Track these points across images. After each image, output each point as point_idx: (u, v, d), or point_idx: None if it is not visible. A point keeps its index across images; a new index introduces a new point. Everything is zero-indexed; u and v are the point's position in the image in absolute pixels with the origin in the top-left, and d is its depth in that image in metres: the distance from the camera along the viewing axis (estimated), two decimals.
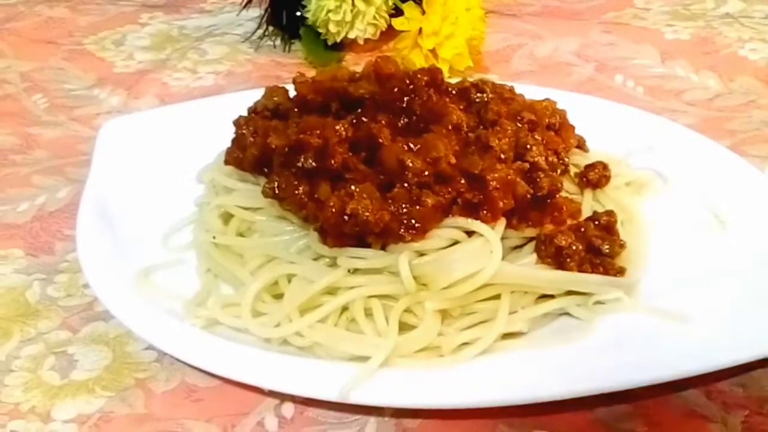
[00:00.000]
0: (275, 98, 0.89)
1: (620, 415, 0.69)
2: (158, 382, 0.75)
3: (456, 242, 0.74)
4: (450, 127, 0.79)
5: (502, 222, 0.76)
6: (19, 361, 0.78)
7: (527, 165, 0.79)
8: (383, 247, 0.75)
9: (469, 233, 0.74)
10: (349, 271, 0.74)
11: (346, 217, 0.72)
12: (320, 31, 1.32)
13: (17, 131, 1.18)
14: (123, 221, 0.89)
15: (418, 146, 0.75)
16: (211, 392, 0.73)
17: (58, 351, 0.79)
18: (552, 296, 0.76)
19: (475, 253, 0.72)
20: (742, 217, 0.83)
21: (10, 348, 0.79)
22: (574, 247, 0.75)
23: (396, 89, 0.81)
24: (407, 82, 0.81)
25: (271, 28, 1.40)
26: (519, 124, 0.83)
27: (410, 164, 0.75)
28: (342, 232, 0.73)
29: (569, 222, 0.79)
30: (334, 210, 0.73)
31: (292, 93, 0.90)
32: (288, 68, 1.32)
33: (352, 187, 0.73)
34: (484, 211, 0.74)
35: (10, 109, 1.24)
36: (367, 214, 0.72)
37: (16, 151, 1.13)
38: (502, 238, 0.75)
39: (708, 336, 0.70)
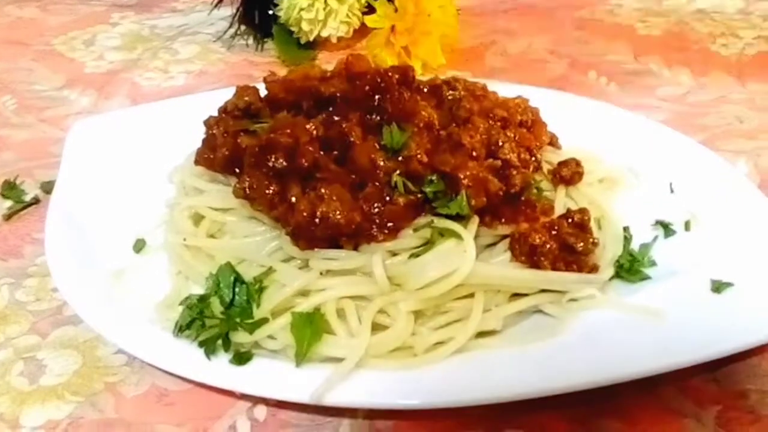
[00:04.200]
0: (246, 98, 0.88)
1: (595, 412, 0.69)
2: (128, 386, 0.74)
3: (429, 241, 0.73)
4: (421, 125, 0.79)
5: (474, 220, 0.75)
6: None
7: (499, 162, 0.79)
8: (355, 248, 0.74)
9: (442, 231, 0.73)
10: (321, 272, 0.74)
11: (317, 220, 0.72)
12: (293, 29, 1.32)
13: None
14: (93, 224, 0.88)
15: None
16: (183, 396, 0.72)
17: (27, 356, 0.77)
18: (525, 293, 0.76)
19: (448, 253, 0.72)
20: (715, 211, 0.83)
21: None
22: (548, 246, 0.75)
23: (367, 87, 0.80)
24: (378, 80, 0.81)
25: (243, 27, 1.40)
26: (491, 122, 0.83)
27: (381, 163, 0.75)
28: (314, 235, 0.73)
29: (542, 219, 0.79)
30: (305, 214, 0.72)
31: (263, 92, 0.89)
32: (261, 67, 1.31)
33: (322, 190, 0.73)
34: None
35: None
36: (338, 216, 0.72)
37: None
38: (476, 237, 0.74)
39: (681, 332, 0.70)
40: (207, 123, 0.88)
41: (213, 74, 1.31)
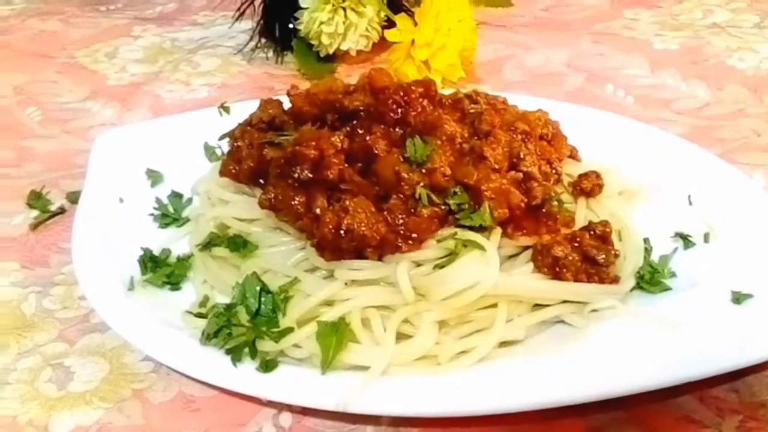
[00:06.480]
0: (270, 110, 0.90)
1: (615, 421, 0.69)
2: (156, 392, 0.75)
3: (452, 252, 0.74)
4: (444, 138, 0.80)
5: (497, 232, 0.76)
6: (15, 374, 0.78)
7: (521, 175, 0.80)
8: (380, 258, 0.75)
9: (465, 243, 0.74)
10: (346, 283, 0.75)
11: (342, 233, 0.73)
12: (313, 42, 1.33)
13: (11, 144, 1.18)
14: (118, 233, 0.89)
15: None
16: (209, 403, 0.73)
17: (55, 363, 0.79)
18: (548, 304, 0.77)
19: (472, 264, 0.73)
20: (733, 223, 0.84)
21: (6, 360, 0.79)
22: (570, 258, 0.76)
23: (390, 101, 0.82)
24: (401, 93, 0.82)
25: (263, 40, 1.41)
26: (512, 135, 0.83)
27: (406, 176, 0.76)
28: (339, 247, 0.74)
29: (563, 231, 0.80)
30: (331, 226, 0.73)
31: (286, 105, 0.90)
32: (281, 80, 1.33)
33: (347, 202, 0.74)
34: None
35: (4, 123, 1.25)
36: (363, 229, 0.73)
37: (11, 164, 1.13)
38: (498, 248, 0.75)
39: (702, 342, 0.71)
40: (232, 135, 0.90)
41: (234, 87, 1.33)
